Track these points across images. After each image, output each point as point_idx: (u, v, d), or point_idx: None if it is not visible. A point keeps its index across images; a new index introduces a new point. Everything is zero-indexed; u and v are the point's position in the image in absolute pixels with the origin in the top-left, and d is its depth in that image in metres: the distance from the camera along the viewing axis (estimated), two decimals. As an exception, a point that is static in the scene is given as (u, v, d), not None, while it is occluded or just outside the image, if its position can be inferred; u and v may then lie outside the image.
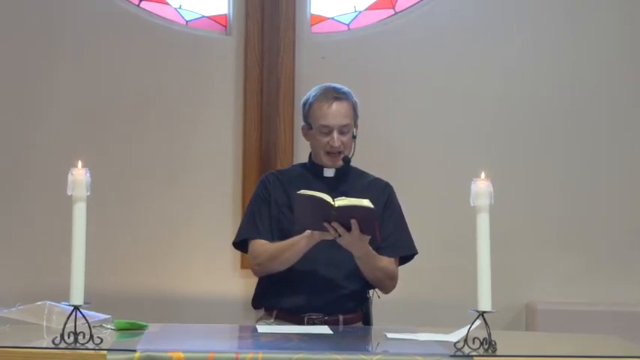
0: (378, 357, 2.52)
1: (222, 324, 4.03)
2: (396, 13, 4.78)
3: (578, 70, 4.73)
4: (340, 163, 3.46)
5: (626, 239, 4.70)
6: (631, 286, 4.65)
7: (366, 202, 3.12)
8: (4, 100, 4.52)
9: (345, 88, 3.50)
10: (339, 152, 3.44)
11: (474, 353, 2.57)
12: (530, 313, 4.58)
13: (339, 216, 3.13)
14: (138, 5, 4.68)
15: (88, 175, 2.64)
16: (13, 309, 2.91)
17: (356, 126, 3.48)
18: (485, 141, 4.69)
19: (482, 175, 2.72)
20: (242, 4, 4.60)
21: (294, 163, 4.24)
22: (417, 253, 3.51)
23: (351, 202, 3.12)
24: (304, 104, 3.52)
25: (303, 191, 3.20)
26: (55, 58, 4.56)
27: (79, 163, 2.66)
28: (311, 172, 3.52)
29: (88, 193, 2.62)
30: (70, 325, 2.55)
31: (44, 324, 2.77)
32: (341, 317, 3.38)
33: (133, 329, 2.92)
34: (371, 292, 3.52)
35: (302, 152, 4.18)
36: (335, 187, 3.40)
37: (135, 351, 2.48)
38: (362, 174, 3.57)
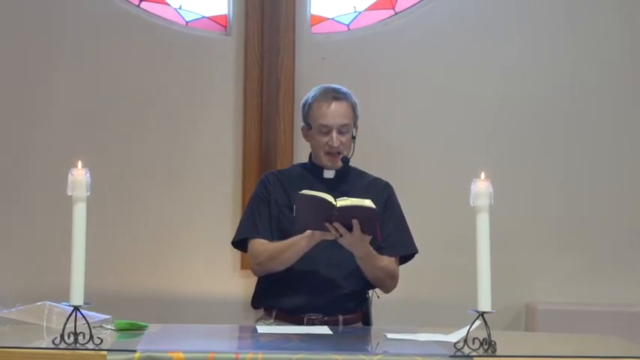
0: (377, 357, 2.52)
1: (222, 324, 4.02)
2: (396, 14, 4.78)
3: (578, 70, 4.73)
4: (339, 163, 3.46)
5: (626, 239, 4.70)
6: (631, 286, 4.65)
7: (367, 203, 3.12)
8: (4, 100, 4.52)
9: (345, 89, 3.50)
10: (338, 152, 3.43)
11: (474, 353, 2.57)
12: (530, 313, 4.57)
13: (340, 216, 3.13)
14: (138, 5, 4.68)
15: (88, 175, 2.64)
16: (13, 309, 2.92)
17: (355, 127, 3.48)
18: (485, 141, 4.69)
19: (482, 175, 2.73)
20: (242, 4, 4.60)
21: (294, 163, 4.24)
22: (417, 252, 3.51)
23: (353, 203, 3.12)
24: (304, 105, 3.52)
25: (305, 191, 3.20)
26: (55, 58, 4.56)
27: (79, 163, 2.66)
28: (311, 173, 3.51)
29: (88, 194, 2.62)
30: (70, 326, 2.55)
31: (44, 324, 2.77)
32: (341, 317, 3.38)
33: (133, 329, 2.92)
34: (370, 292, 3.52)
35: (302, 152, 4.18)
36: (335, 188, 3.39)
37: (135, 351, 2.48)
38: (362, 174, 3.57)
